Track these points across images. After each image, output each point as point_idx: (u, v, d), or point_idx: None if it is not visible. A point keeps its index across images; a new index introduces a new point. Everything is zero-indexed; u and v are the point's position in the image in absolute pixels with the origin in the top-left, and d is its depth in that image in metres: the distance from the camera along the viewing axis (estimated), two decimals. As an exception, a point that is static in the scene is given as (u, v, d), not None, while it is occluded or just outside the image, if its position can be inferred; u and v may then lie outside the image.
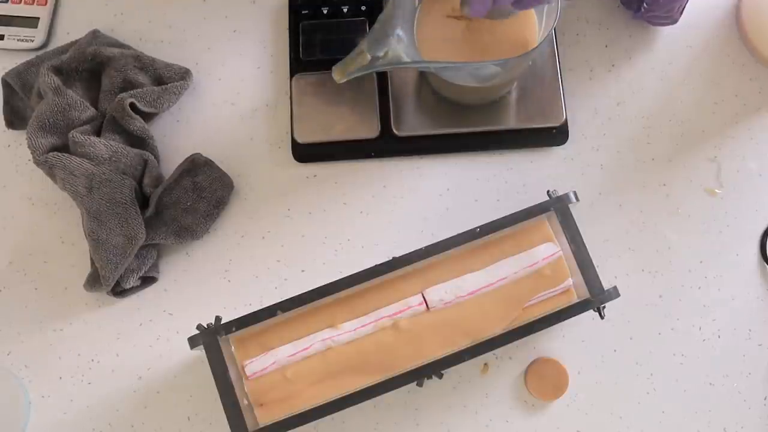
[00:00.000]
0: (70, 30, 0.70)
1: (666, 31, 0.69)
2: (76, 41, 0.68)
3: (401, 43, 0.55)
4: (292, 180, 0.67)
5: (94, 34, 0.67)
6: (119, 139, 0.63)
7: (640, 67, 0.69)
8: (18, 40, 0.69)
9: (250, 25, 0.70)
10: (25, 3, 0.70)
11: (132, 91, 0.63)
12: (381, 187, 0.66)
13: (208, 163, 0.64)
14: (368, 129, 0.66)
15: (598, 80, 0.68)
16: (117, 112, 0.63)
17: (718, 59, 0.69)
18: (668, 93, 0.68)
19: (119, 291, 0.63)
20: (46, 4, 0.70)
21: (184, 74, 0.66)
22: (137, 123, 0.63)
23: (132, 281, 0.62)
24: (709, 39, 0.69)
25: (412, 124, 0.66)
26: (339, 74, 0.53)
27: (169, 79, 0.66)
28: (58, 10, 0.71)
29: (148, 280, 0.64)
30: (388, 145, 0.66)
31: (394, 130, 0.66)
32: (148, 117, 0.65)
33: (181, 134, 0.68)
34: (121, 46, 0.67)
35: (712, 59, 0.69)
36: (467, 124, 0.66)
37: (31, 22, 0.69)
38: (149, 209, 0.62)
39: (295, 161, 0.66)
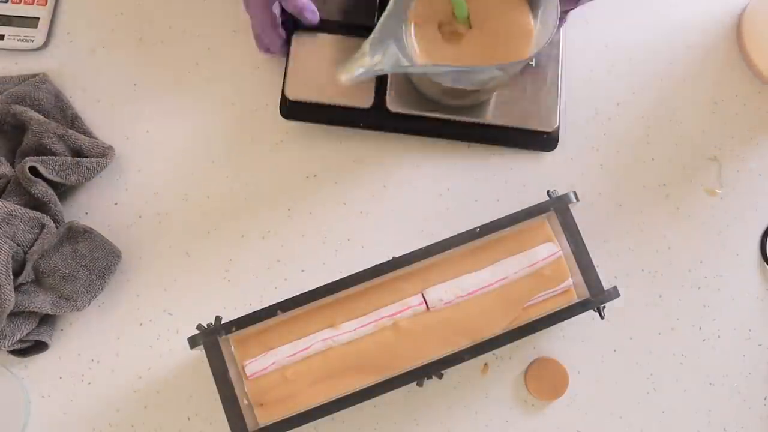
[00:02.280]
0: (70, 30, 0.70)
1: (666, 31, 0.69)
2: (24, 78, 0.67)
3: (400, 47, 0.55)
4: (292, 180, 0.67)
5: (40, 80, 0.66)
6: (21, 201, 0.62)
7: (640, 67, 0.69)
8: (18, 40, 0.69)
9: (250, 25, 0.70)
10: (25, 3, 0.70)
11: (41, 157, 0.62)
12: (381, 187, 0.66)
13: (88, 231, 0.62)
14: (362, 98, 0.64)
15: (598, 80, 0.68)
16: (20, 173, 0.61)
17: (718, 59, 0.69)
18: (668, 93, 0.68)
19: (12, 351, 0.61)
20: (46, 4, 0.70)
21: (105, 151, 0.65)
22: (39, 187, 0.61)
23: (6, 345, 0.60)
24: (710, 38, 0.69)
25: (406, 101, 0.65)
26: (343, 75, 0.52)
27: (89, 154, 0.64)
28: (58, 10, 0.71)
29: (39, 345, 0.62)
30: (379, 118, 0.65)
31: (388, 105, 0.64)
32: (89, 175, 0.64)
33: (181, 134, 0.68)
34: (59, 100, 0.66)
35: (712, 59, 0.69)
36: (462, 113, 0.65)
37: (31, 22, 0.69)
38: (23, 275, 0.60)
39: (284, 117, 0.65)
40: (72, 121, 0.66)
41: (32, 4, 0.70)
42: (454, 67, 0.56)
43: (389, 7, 0.54)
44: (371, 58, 0.53)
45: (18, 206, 0.61)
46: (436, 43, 0.59)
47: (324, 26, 0.65)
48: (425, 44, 0.59)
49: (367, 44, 0.53)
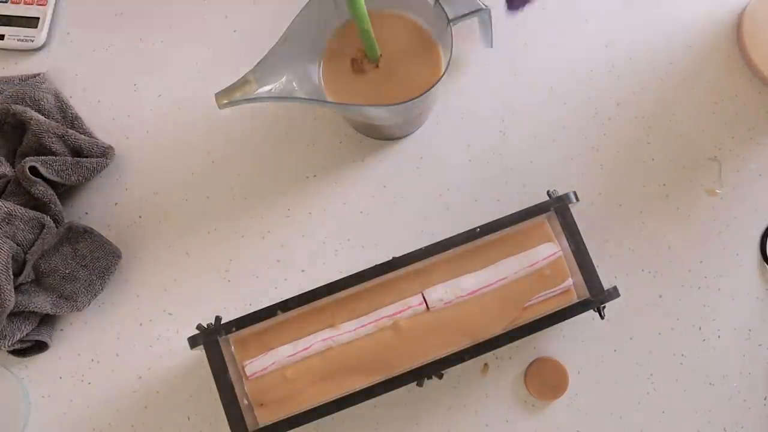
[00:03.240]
0: (70, 30, 0.70)
1: (666, 32, 0.69)
2: (24, 78, 0.67)
3: (298, 78, 0.54)
4: (291, 180, 0.67)
5: (40, 80, 0.66)
6: (21, 201, 0.62)
7: (641, 67, 0.69)
8: (18, 40, 0.69)
9: (250, 25, 0.70)
10: (25, 3, 0.70)
11: (41, 157, 0.62)
12: (381, 187, 0.66)
13: (88, 231, 0.62)
14: None
15: (598, 80, 0.68)
16: (20, 173, 0.61)
17: (718, 59, 0.69)
18: (668, 93, 0.68)
19: (12, 351, 0.62)
20: (46, 4, 0.70)
21: (105, 151, 0.65)
22: (39, 187, 0.61)
23: (6, 345, 0.60)
24: (710, 38, 0.69)
25: None
26: (221, 101, 0.51)
27: (89, 154, 0.64)
28: (58, 10, 0.71)
29: (39, 345, 0.62)
30: None
31: None
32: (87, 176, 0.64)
33: (181, 134, 0.68)
34: (59, 100, 0.66)
35: (713, 59, 0.69)
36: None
37: (31, 22, 0.69)
38: (23, 275, 0.60)
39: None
40: (72, 121, 0.66)
41: (32, 4, 0.70)
42: (342, 103, 0.55)
43: (278, 41, 0.53)
44: (257, 86, 0.51)
45: (18, 206, 0.61)
46: (344, 78, 0.58)
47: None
48: (332, 77, 0.58)
49: (251, 73, 0.51)
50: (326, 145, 0.67)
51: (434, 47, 0.59)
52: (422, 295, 0.55)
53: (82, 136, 0.65)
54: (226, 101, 0.51)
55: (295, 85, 0.54)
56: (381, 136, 0.66)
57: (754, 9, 0.68)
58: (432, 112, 0.67)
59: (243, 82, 0.51)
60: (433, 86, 0.54)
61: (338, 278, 0.54)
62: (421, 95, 0.53)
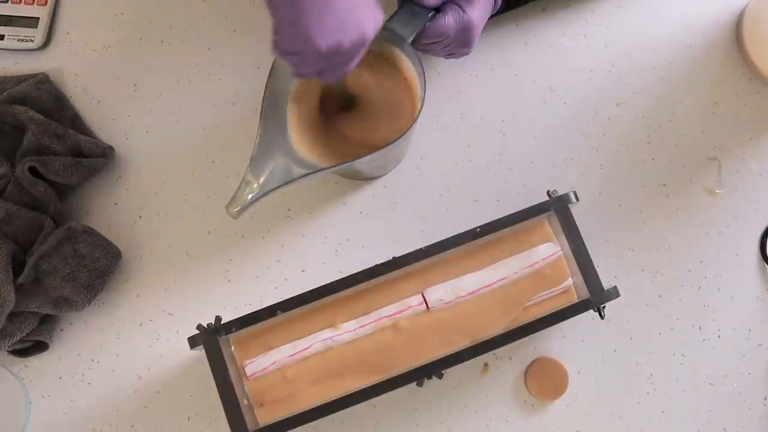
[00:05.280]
0: (70, 30, 0.70)
1: (666, 31, 0.69)
2: (24, 78, 0.67)
3: (286, 155, 0.54)
4: (292, 180, 0.67)
5: (40, 80, 0.66)
6: (21, 201, 0.62)
7: (641, 67, 0.69)
8: (18, 40, 0.69)
9: (250, 25, 0.70)
10: (25, 3, 0.70)
11: (40, 157, 0.62)
12: (381, 187, 0.66)
13: (88, 231, 0.62)
14: None
15: (598, 80, 0.68)
16: (20, 173, 0.61)
17: (718, 59, 0.69)
18: (668, 93, 0.68)
19: (12, 351, 0.62)
20: (46, 4, 0.70)
21: (105, 151, 0.65)
22: (39, 187, 0.61)
23: (6, 345, 0.60)
24: (710, 38, 0.69)
25: None
26: (233, 211, 0.51)
27: (89, 154, 0.64)
28: (58, 10, 0.71)
29: (39, 345, 0.62)
30: None
31: None
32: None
33: (181, 134, 0.68)
34: (59, 100, 0.66)
35: (712, 59, 0.69)
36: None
37: (31, 22, 0.69)
38: (23, 276, 0.60)
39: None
40: (72, 121, 0.66)
41: (32, 4, 0.70)
42: (336, 166, 0.54)
43: (259, 129, 0.53)
44: (257, 183, 0.51)
45: (18, 206, 0.61)
46: (318, 138, 0.57)
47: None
48: (308, 143, 0.57)
49: (248, 173, 0.51)
50: (326, 145, 0.67)
51: (408, 83, 0.57)
52: (422, 295, 0.55)
53: (82, 136, 0.65)
54: (238, 209, 0.51)
55: (286, 158, 0.53)
56: (361, 177, 0.66)
57: (754, 9, 0.68)
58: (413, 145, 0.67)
59: (245, 184, 0.51)
60: (408, 129, 0.53)
61: (338, 278, 0.54)
62: (398, 138, 0.53)
